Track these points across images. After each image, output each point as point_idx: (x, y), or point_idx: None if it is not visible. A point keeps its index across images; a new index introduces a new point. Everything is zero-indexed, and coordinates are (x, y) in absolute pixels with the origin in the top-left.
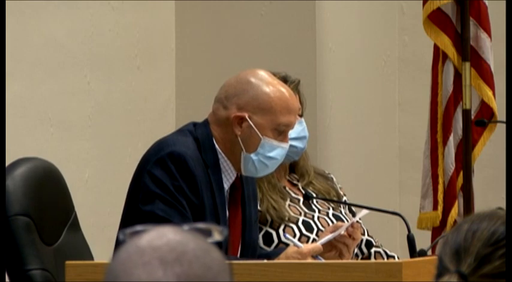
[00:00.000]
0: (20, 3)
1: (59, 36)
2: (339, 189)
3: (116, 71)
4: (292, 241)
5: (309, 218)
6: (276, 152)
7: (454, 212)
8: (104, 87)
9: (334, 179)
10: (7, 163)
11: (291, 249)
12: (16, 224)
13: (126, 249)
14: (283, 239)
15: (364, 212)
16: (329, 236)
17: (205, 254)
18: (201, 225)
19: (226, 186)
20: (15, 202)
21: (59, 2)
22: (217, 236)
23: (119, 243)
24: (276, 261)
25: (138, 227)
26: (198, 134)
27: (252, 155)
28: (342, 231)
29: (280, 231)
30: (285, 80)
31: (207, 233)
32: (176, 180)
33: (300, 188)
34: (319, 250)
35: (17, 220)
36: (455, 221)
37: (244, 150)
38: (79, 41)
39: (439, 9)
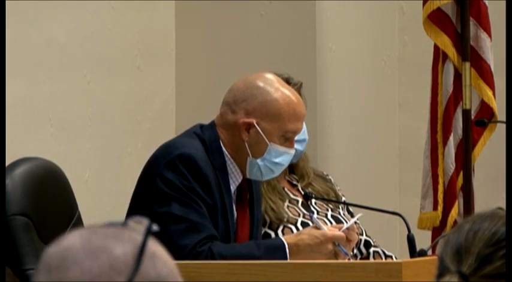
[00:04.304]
0: (20, 3)
1: (59, 36)
2: (338, 191)
3: (116, 71)
4: (318, 223)
5: (308, 219)
6: (282, 157)
7: (454, 212)
8: (104, 87)
9: (333, 181)
10: (7, 163)
11: (316, 231)
12: (14, 223)
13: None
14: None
15: (359, 214)
16: (349, 224)
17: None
18: (133, 220)
19: (233, 188)
20: (14, 202)
21: (59, 2)
22: (140, 227)
23: None
24: (276, 261)
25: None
26: (205, 136)
27: (258, 161)
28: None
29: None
30: (287, 82)
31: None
32: (188, 182)
33: (300, 189)
34: (341, 239)
35: (15, 220)
36: (455, 221)
37: (250, 155)
38: (79, 41)
39: (439, 9)
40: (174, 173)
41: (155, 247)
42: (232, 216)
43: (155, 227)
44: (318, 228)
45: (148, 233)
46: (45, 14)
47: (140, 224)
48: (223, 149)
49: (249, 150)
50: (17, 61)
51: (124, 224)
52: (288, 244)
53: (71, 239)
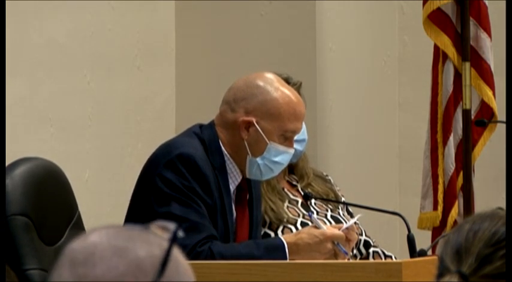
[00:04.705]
0: (20, 3)
1: (59, 36)
2: (337, 191)
3: (116, 71)
4: (317, 223)
5: (307, 219)
6: (282, 156)
7: (454, 212)
8: (104, 87)
9: (332, 181)
10: (7, 163)
11: (315, 230)
12: (14, 223)
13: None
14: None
15: (358, 215)
16: (348, 224)
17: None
18: (157, 223)
19: (232, 187)
20: (14, 202)
21: (59, 2)
22: (167, 234)
23: None
24: (276, 261)
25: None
26: (205, 135)
27: (258, 159)
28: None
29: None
30: (287, 81)
31: (165, 229)
32: (188, 182)
33: (299, 189)
34: (341, 238)
35: (15, 220)
36: (455, 221)
37: (250, 154)
38: (79, 41)
39: (439, 9)
40: (174, 172)
41: (178, 254)
42: (232, 216)
43: (181, 233)
44: (317, 227)
45: (175, 238)
46: (45, 14)
47: (164, 229)
48: (223, 148)
49: (248, 149)
50: (17, 61)
51: (147, 227)
52: (287, 243)
53: (97, 236)
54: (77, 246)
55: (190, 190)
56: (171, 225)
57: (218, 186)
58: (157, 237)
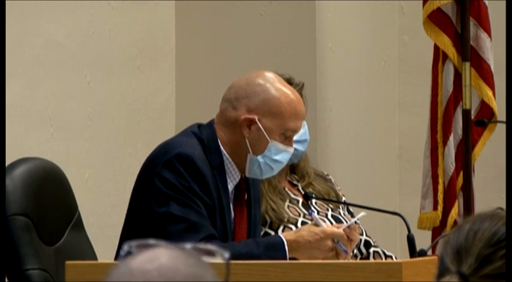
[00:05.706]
0: (20, 3)
1: (59, 36)
2: (338, 191)
3: (116, 71)
4: (317, 220)
5: (308, 219)
6: (282, 155)
7: (454, 212)
8: (104, 87)
9: (333, 180)
10: (7, 163)
11: (315, 227)
12: (14, 224)
13: (119, 268)
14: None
15: (362, 213)
16: (350, 222)
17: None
18: (204, 245)
19: (230, 187)
20: (14, 202)
21: (59, 2)
22: (219, 258)
23: (121, 255)
24: (276, 261)
25: (144, 241)
26: (203, 135)
27: (259, 158)
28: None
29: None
30: (289, 82)
31: (210, 254)
32: (187, 182)
33: (300, 189)
34: (341, 236)
35: (15, 220)
36: (455, 221)
37: (251, 152)
38: (79, 41)
39: (439, 9)
40: (172, 172)
41: None
42: (230, 216)
43: (229, 259)
44: (317, 225)
45: (229, 264)
46: (45, 14)
47: (210, 252)
48: (222, 148)
49: (249, 147)
50: (17, 61)
51: (194, 250)
52: (287, 241)
53: (167, 259)
54: (149, 267)
55: (189, 190)
56: (217, 248)
57: (216, 186)
58: (207, 260)
